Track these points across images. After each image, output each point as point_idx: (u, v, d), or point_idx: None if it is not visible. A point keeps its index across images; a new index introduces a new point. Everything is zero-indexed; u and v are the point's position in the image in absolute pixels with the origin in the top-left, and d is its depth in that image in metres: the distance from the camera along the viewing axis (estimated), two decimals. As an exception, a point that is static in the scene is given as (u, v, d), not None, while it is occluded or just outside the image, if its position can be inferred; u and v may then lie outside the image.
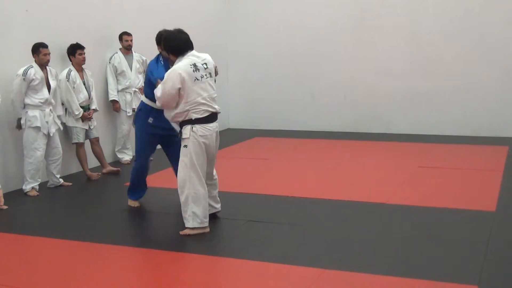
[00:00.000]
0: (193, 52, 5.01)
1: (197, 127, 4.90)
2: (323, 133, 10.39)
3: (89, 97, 7.37)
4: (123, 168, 7.89)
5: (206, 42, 10.34)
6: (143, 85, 8.30)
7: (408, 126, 10.19)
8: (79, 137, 7.29)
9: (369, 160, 8.13)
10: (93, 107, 7.46)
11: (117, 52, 8.15)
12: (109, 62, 8.13)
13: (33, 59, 6.57)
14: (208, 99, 4.94)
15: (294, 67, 10.80)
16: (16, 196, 6.54)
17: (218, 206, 5.43)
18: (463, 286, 3.90)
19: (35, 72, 6.48)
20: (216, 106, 5.02)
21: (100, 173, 7.46)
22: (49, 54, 6.59)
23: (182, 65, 4.88)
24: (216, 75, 5.19)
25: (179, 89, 4.83)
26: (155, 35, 5.63)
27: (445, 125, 9.94)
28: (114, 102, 8.16)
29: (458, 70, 9.83)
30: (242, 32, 11.01)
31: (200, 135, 4.91)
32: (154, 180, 7.40)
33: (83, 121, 7.29)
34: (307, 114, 10.74)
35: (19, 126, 6.61)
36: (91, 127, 7.44)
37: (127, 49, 8.17)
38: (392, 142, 9.52)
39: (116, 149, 8.40)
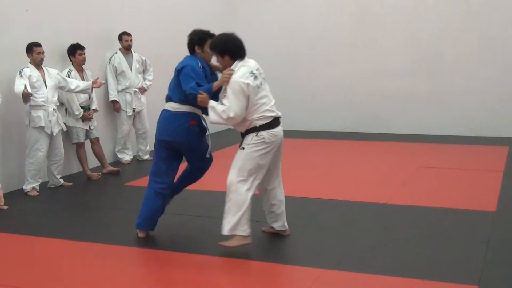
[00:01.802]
0: (246, 57, 4.69)
1: (263, 134, 4.56)
2: (323, 133, 10.39)
3: (89, 97, 7.37)
4: (123, 168, 7.90)
5: (206, 42, 10.35)
6: (143, 85, 8.39)
7: (408, 126, 10.19)
8: (79, 137, 7.30)
9: (369, 160, 8.14)
10: (93, 107, 7.46)
11: (116, 52, 8.15)
12: (109, 62, 8.13)
13: (29, 59, 6.58)
14: (270, 104, 4.64)
15: (294, 67, 10.80)
16: (16, 196, 6.54)
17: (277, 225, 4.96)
18: (463, 286, 3.90)
19: (31, 70, 6.49)
20: (277, 111, 4.70)
21: (100, 173, 7.46)
22: (43, 53, 6.58)
23: (241, 75, 4.51)
24: None
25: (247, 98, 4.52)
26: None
27: (445, 125, 9.94)
28: (114, 102, 8.16)
29: (458, 70, 9.83)
30: (242, 33, 10.89)
31: (265, 142, 4.57)
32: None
33: (83, 121, 7.29)
34: (307, 114, 10.75)
35: (26, 97, 6.30)
36: (91, 127, 7.44)
37: (127, 49, 8.17)
38: (392, 142, 9.53)
39: (116, 149, 8.40)
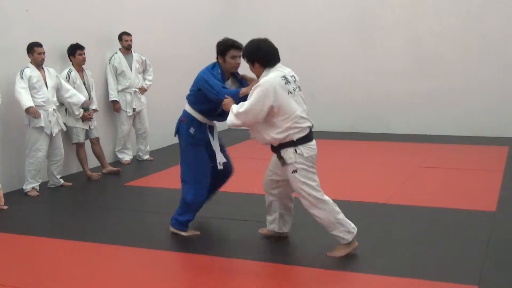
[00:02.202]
0: (280, 64, 4.50)
1: (301, 149, 4.38)
2: (323, 133, 10.38)
3: (89, 97, 7.38)
4: (123, 168, 7.90)
5: (206, 43, 10.32)
6: (143, 85, 8.39)
7: (408, 126, 10.19)
8: (80, 137, 7.30)
9: (369, 160, 8.14)
10: (93, 107, 7.46)
11: (116, 52, 8.15)
12: (109, 62, 8.13)
13: (29, 59, 6.58)
14: (304, 113, 4.41)
15: (294, 67, 10.71)
16: (16, 196, 6.55)
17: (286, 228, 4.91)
18: (463, 286, 3.90)
19: (31, 71, 6.49)
20: (311, 121, 4.49)
21: (100, 173, 7.46)
22: (43, 53, 6.59)
23: (271, 78, 4.31)
24: None
25: (271, 106, 4.26)
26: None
27: (445, 125, 9.94)
28: (115, 102, 8.16)
29: (458, 70, 9.83)
30: (242, 33, 10.90)
31: (306, 157, 4.42)
32: (154, 180, 7.42)
33: (83, 121, 7.29)
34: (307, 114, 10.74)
35: (34, 112, 6.42)
36: (91, 127, 7.44)
37: (127, 49, 8.17)
38: (392, 142, 9.52)
39: (116, 149, 8.40)
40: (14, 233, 5.35)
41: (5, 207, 6.08)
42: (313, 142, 4.50)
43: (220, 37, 4.67)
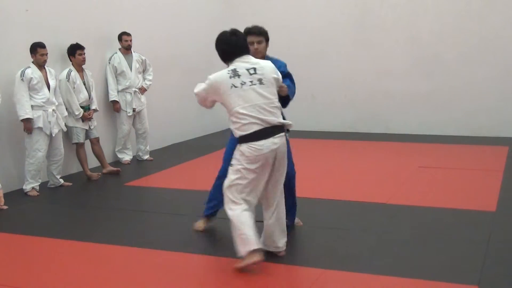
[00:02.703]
0: (245, 56, 4.31)
1: (243, 147, 4.18)
2: (323, 133, 10.39)
3: (89, 97, 7.38)
4: (123, 168, 7.89)
5: (206, 42, 10.34)
6: (143, 85, 8.39)
7: (408, 126, 10.19)
8: (79, 137, 7.29)
9: (369, 160, 8.13)
10: (93, 107, 7.46)
11: (116, 52, 8.15)
12: (109, 63, 8.13)
13: (31, 59, 6.58)
14: (251, 109, 4.15)
15: (294, 67, 10.72)
16: (16, 196, 6.54)
17: (282, 241, 4.52)
18: (463, 286, 3.90)
19: (33, 71, 6.49)
20: (271, 118, 4.20)
21: (100, 173, 7.46)
22: (46, 54, 6.59)
23: (217, 74, 4.25)
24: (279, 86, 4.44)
25: (214, 100, 4.31)
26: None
27: (445, 125, 9.94)
28: (114, 102, 8.16)
29: (458, 70, 9.83)
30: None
31: (246, 156, 4.17)
32: (154, 180, 7.42)
33: (83, 121, 7.29)
34: (307, 114, 10.74)
35: (28, 129, 6.51)
36: (91, 127, 7.44)
37: (126, 49, 8.17)
38: (392, 142, 9.52)
39: (116, 149, 8.40)
40: (14, 233, 5.35)
41: (5, 207, 6.07)
42: (261, 142, 4.15)
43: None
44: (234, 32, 4.35)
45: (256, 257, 4.16)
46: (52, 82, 6.68)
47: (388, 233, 5.04)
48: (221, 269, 4.40)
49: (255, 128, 4.16)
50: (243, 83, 4.18)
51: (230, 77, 4.19)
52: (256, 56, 4.60)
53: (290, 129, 4.45)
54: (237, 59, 4.28)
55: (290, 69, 4.92)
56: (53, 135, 6.71)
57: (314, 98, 10.79)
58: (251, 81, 4.19)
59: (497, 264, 4.29)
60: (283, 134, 4.31)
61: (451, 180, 6.85)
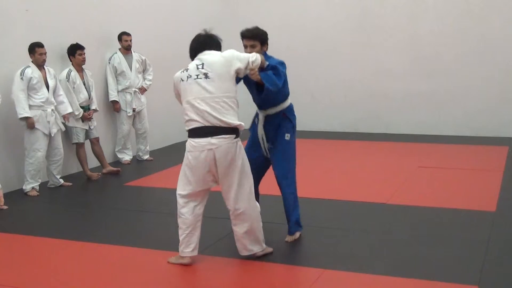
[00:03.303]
0: (206, 52, 4.34)
1: (189, 141, 4.23)
2: (323, 133, 10.39)
3: (89, 97, 7.38)
4: (123, 168, 7.90)
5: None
6: (143, 85, 8.39)
7: (408, 126, 10.19)
8: (79, 137, 7.30)
9: (369, 160, 8.13)
10: (93, 107, 7.46)
11: (116, 53, 8.15)
12: (109, 63, 8.13)
13: (30, 59, 6.58)
14: (193, 102, 4.16)
15: (294, 67, 10.74)
16: (16, 196, 6.55)
17: (255, 248, 4.43)
18: (463, 286, 3.90)
19: (32, 71, 6.49)
20: (210, 111, 4.13)
21: (100, 173, 7.46)
22: (45, 53, 6.59)
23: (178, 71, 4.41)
24: (254, 68, 4.35)
25: (178, 94, 4.38)
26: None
27: (445, 125, 9.94)
28: (114, 102, 8.16)
29: (458, 70, 9.83)
30: (242, 32, 11.03)
31: (188, 151, 4.24)
32: (154, 180, 7.42)
33: (83, 121, 7.29)
34: (307, 114, 10.73)
35: (30, 123, 6.51)
36: (91, 127, 7.44)
37: (126, 49, 8.17)
38: (392, 142, 9.52)
39: (116, 149, 8.40)
40: (14, 233, 5.35)
41: (5, 207, 6.08)
42: (198, 139, 4.16)
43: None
44: (204, 30, 4.51)
45: (184, 260, 4.37)
46: (51, 82, 6.68)
47: (388, 233, 5.04)
48: (221, 269, 4.40)
49: (193, 124, 4.19)
50: (189, 77, 4.24)
51: (181, 71, 4.32)
52: None
53: (241, 130, 4.35)
54: (196, 57, 4.36)
55: (290, 69, 4.89)
56: (52, 135, 6.71)
57: (314, 98, 10.78)
58: (196, 75, 4.21)
59: (497, 264, 4.29)
60: (227, 136, 4.20)
61: (451, 180, 6.85)
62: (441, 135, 9.79)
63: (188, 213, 4.32)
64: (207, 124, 4.14)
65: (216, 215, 5.47)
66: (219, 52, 4.35)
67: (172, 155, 8.89)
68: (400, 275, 4.11)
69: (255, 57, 4.39)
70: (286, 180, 4.80)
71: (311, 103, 10.76)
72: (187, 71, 4.27)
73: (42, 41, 6.65)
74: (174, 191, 5.29)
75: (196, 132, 4.18)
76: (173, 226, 5.35)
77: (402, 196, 6.20)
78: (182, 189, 4.33)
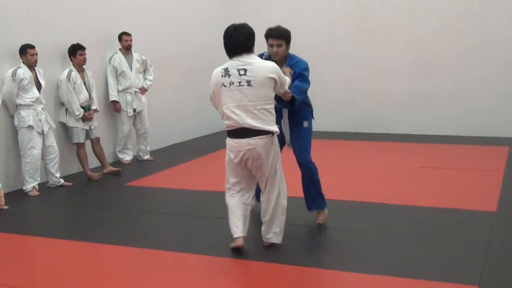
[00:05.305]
0: (245, 55, 4.34)
1: (228, 140, 4.50)
2: (323, 133, 10.39)
3: (90, 98, 7.38)
4: (123, 168, 7.90)
5: (206, 42, 10.36)
6: (143, 85, 8.39)
7: (408, 126, 10.19)
8: (80, 138, 7.30)
9: (369, 160, 8.14)
10: (93, 107, 7.46)
11: (116, 53, 8.15)
12: (109, 63, 8.13)
13: (21, 60, 6.59)
14: (234, 109, 4.32)
15: (294, 67, 10.80)
16: (16, 196, 6.55)
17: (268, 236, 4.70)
18: (463, 286, 3.90)
19: (24, 72, 6.51)
20: (250, 121, 4.31)
21: (100, 173, 7.46)
22: (36, 54, 6.61)
23: (216, 68, 4.44)
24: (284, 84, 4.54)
25: (213, 92, 4.46)
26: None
27: (445, 125, 9.94)
28: (115, 102, 8.16)
29: (458, 70, 9.84)
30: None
31: (229, 149, 4.52)
32: (154, 180, 7.42)
33: (83, 121, 7.29)
34: (307, 114, 10.75)
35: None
36: (92, 127, 7.45)
37: (127, 49, 8.17)
38: (392, 142, 9.53)
39: (116, 149, 8.40)
40: (14, 233, 5.35)
41: (5, 207, 6.08)
42: (237, 140, 4.41)
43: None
44: (237, 27, 4.39)
45: (236, 243, 4.54)
46: (43, 82, 6.71)
47: (388, 233, 5.04)
48: (221, 269, 4.40)
49: (232, 128, 4.41)
50: (231, 83, 4.31)
51: (222, 75, 4.35)
52: (275, 58, 4.81)
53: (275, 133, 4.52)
54: (234, 58, 4.36)
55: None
56: (45, 133, 6.72)
57: (314, 98, 10.77)
58: (239, 82, 4.29)
59: (497, 264, 4.29)
60: (262, 136, 4.39)
61: (451, 180, 6.85)
62: (442, 135, 9.80)
63: (236, 200, 4.59)
64: (246, 126, 4.35)
65: (217, 215, 5.48)
66: (262, 61, 4.47)
67: (172, 155, 8.90)
68: (400, 275, 4.11)
69: (288, 84, 4.64)
70: (309, 160, 5.36)
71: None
72: (229, 76, 4.33)
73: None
74: (174, 191, 5.30)
75: (235, 133, 4.41)
76: (173, 226, 5.37)
77: (402, 196, 6.20)
78: (228, 181, 4.62)
